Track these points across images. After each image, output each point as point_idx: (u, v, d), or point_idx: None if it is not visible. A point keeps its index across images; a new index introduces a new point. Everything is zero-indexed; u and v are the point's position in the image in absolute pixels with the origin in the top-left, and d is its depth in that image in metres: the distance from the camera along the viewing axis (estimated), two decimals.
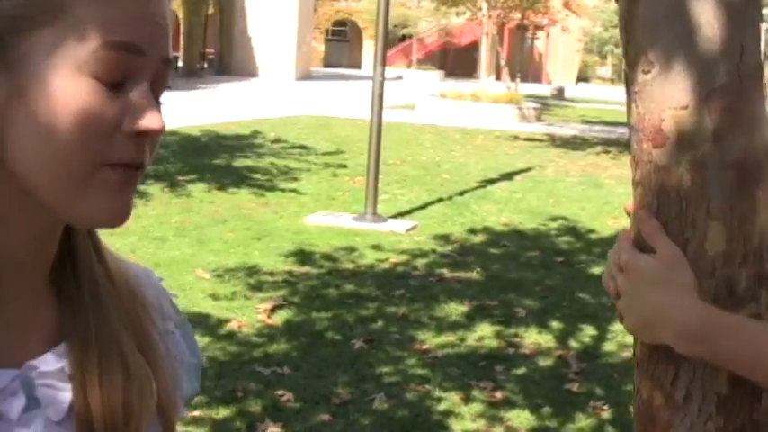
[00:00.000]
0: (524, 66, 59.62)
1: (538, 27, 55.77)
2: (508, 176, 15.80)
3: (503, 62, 38.58)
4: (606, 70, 75.35)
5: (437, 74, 55.34)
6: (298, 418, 5.13)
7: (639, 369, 1.36)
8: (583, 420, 5.37)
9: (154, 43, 0.94)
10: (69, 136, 0.90)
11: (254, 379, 5.68)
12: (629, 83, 1.29)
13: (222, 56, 45.15)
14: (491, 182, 14.94)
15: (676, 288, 1.23)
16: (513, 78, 40.07)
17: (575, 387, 5.89)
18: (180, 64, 41.18)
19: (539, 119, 29.59)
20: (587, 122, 30.53)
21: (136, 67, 0.93)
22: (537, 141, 22.46)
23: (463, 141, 21.21)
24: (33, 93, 0.89)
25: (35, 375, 0.98)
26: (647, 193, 1.29)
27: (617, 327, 7.14)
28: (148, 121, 0.93)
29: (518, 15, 42.74)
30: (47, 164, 0.91)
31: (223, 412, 5.16)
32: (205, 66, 45.15)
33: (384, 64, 11.22)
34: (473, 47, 46.82)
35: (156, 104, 0.96)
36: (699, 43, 1.20)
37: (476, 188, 14.13)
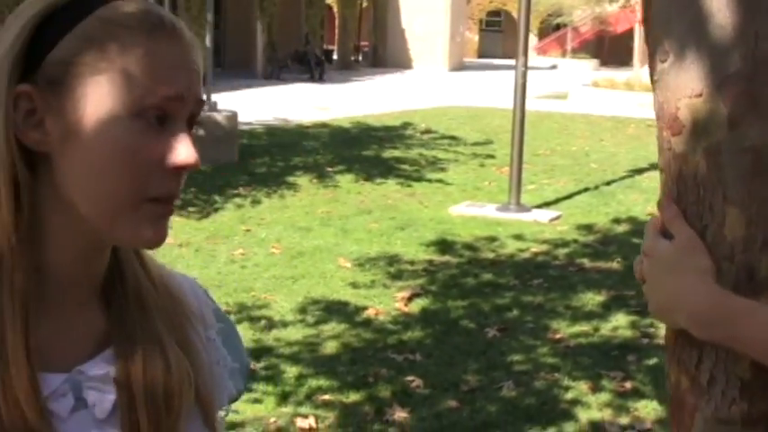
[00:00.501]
0: None
1: None
2: (657, 166, 15.49)
3: None
4: None
5: (592, 63, 54.64)
6: (425, 404, 5.22)
7: (668, 354, 1.39)
8: None
9: (191, 88, 1.07)
10: (117, 173, 1.03)
11: (386, 365, 5.79)
12: (651, 73, 1.33)
13: (376, 48, 45.52)
14: (640, 171, 14.72)
15: (691, 272, 1.26)
16: None
17: None
18: (334, 57, 41.71)
19: None
20: None
21: (176, 110, 1.06)
22: None
23: (614, 131, 20.93)
24: (87, 133, 1.02)
25: (83, 379, 1.10)
26: (668, 180, 1.33)
27: None
28: (186, 158, 1.06)
29: None
30: (95, 196, 1.05)
31: (353, 397, 5.29)
32: (359, 58, 45.60)
33: (526, 54, 11.25)
34: (629, 34, 46.05)
35: (192, 142, 1.08)
36: (711, 31, 1.23)
37: (623, 178, 13.95)
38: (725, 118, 1.23)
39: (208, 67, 15.20)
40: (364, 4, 45.28)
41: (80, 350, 1.12)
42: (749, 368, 1.27)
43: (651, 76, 1.33)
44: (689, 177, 1.28)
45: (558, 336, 6.43)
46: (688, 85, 1.25)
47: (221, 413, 1.31)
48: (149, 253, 1.23)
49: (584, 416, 5.11)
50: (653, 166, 15.28)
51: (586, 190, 12.71)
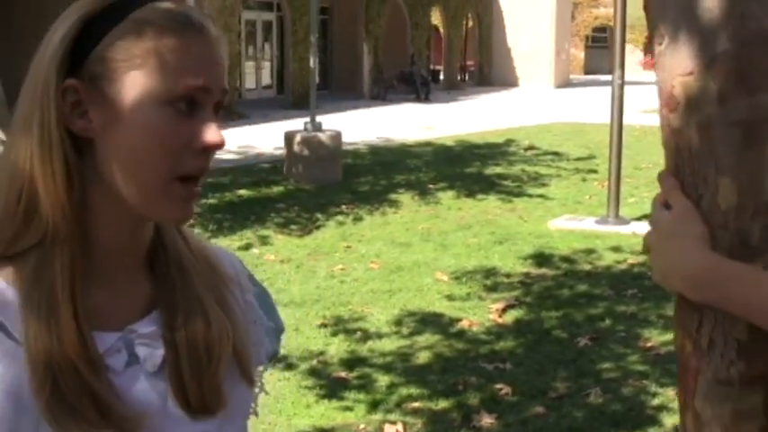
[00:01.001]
0: None
1: None
2: None
3: None
4: None
5: None
6: (512, 411, 5.28)
7: (675, 320, 1.46)
8: None
9: (217, 80, 1.22)
10: (151, 154, 1.18)
11: (476, 374, 5.87)
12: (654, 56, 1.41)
13: (482, 67, 45.59)
14: None
15: (687, 238, 1.34)
16: None
17: None
18: (441, 77, 41.88)
19: None
20: None
21: (203, 98, 1.21)
22: None
23: None
24: (125, 121, 1.18)
25: (134, 336, 1.26)
26: (667, 155, 1.41)
27: None
28: (212, 139, 1.21)
29: None
30: (132, 176, 1.19)
31: (442, 404, 5.38)
32: (466, 78, 45.71)
33: (623, 68, 11.26)
34: None
35: (217, 125, 1.23)
36: (701, 14, 1.31)
37: None
38: (715, 94, 1.31)
39: (312, 88, 15.46)
40: (470, 24, 45.39)
41: (131, 312, 1.27)
42: (746, 330, 1.34)
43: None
44: (684, 150, 1.36)
45: (648, 344, 6.42)
46: (681, 64, 1.34)
47: (260, 368, 1.44)
48: (191, 230, 1.38)
49: (669, 421, 5.11)
50: None
51: None
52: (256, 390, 1.44)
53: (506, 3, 46.04)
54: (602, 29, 58.58)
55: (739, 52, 1.30)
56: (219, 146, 1.22)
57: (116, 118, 1.18)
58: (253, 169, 15.10)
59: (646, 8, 1.42)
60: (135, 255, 1.29)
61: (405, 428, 5.02)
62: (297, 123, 15.08)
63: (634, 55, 61.21)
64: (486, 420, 5.14)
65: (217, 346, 1.28)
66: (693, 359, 1.42)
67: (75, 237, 1.20)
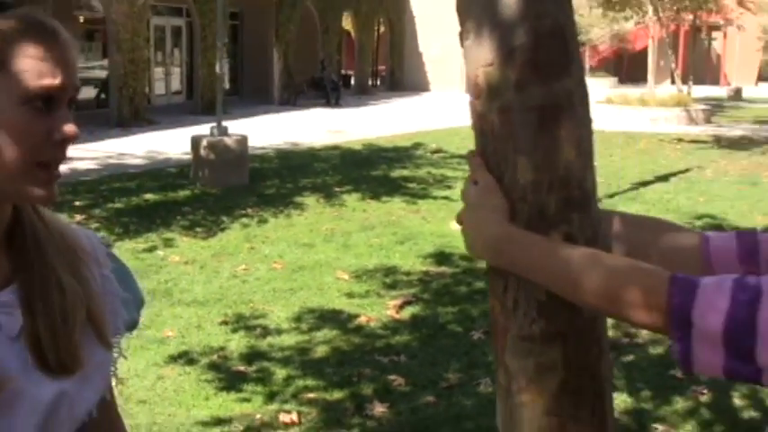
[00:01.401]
0: (701, 68, 58.39)
1: (712, 27, 54.66)
2: (664, 178, 15.76)
3: (673, 65, 38.08)
4: None
5: (610, 80, 54.87)
6: (404, 400, 5.47)
7: (489, 284, 1.65)
8: (680, 403, 5.54)
9: (71, 80, 1.40)
10: (12, 147, 1.35)
11: (371, 366, 6.05)
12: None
13: (393, 72, 45.89)
14: (645, 184, 14.95)
15: (488, 210, 1.53)
16: (685, 81, 39.47)
17: (679, 373, 6.02)
18: (352, 82, 42.06)
19: (708, 121, 29.16)
20: (760, 122, 29.89)
21: (58, 96, 1.39)
22: (701, 143, 22.19)
23: (625, 145, 21.17)
24: None
25: None
26: (475, 137, 1.60)
27: None
28: (68, 130, 1.39)
29: (690, 17, 42.01)
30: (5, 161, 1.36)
31: (336, 394, 5.55)
32: (378, 83, 45.95)
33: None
34: (647, 52, 46.29)
35: (71, 118, 1.41)
36: (501, 12, 1.50)
37: (627, 191, 14.18)
38: (513, 82, 1.50)
39: (218, 92, 15.55)
40: (382, 29, 45.66)
41: None
42: (545, 292, 1.53)
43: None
44: (488, 133, 1.55)
45: None
46: (483, 56, 1.53)
47: (120, 337, 1.60)
48: (54, 215, 1.55)
49: None
50: (659, 179, 15.54)
51: None
52: (115, 354, 1.59)
53: (418, 8, 46.43)
54: None
55: (535, 45, 1.49)
56: (75, 137, 1.39)
57: None
58: (160, 174, 15.12)
59: (456, 9, 1.60)
60: None
61: (299, 417, 5.18)
62: (205, 129, 15.13)
63: None
64: (379, 409, 5.32)
65: (71, 313, 1.46)
66: (502, 318, 1.60)
67: None
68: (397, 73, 46.06)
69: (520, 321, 1.57)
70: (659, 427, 5.20)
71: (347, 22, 42.55)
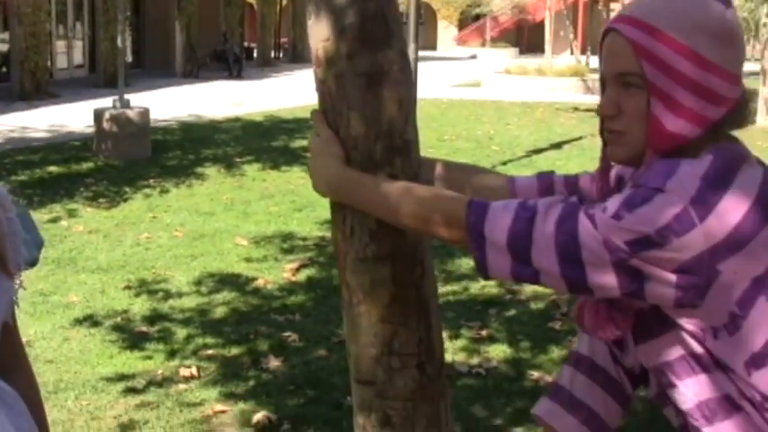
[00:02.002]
0: (599, 39, 59.39)
1: None
2: (558, 146, 16.31)
3: (572, 36, 38.86)
4: None
5: (511, 51, 55.67)
6: (298, 354, 5.83)
7: (331, 218, 2.01)
8: (555, 352, 5.97)
9: None
10: None
11: (268, 324, 6.39)
12: None
13: (295, 44, 45.97)
14: (539, 151, 15.46)
15: (328, 157, 1.89)
16: (583, 52, 40.29)
17: (557, 326, 6.48)
18: (255, 54, 42.08)
19: None
20: None
21: None
22: (596, 112, 22.79)
23: (522, 115, 21.71)
24: None
25: None
26: (318, 100, 1.95)
27: None
28: None
29: None
30: None
31: (234, 351, 5.87)
32: (280, 55, 46.01)
33: (417, 41, 11.83)
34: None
35: None
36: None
37: (521, 158, 14.67)
38: (344, 54, 1.85)
39: (120, 65, 15.66)
40: (284, 2, 45.72)
41: None
42: (375, 221, 1.89)
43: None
44: (327, 95, 1.91)
45: None
46: (322, 33, 1.88)
47: (20, 271, 1.92)
48: None
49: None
50: (553, 146, 16.07)
51: None
52: (16, 284, 1.92)
53: None
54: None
55: (361, 24, 1.85)
56: None
57: None
58: (63, 147, 15.21)
59: None
60: None
61: (199, 371, 5.50)
62: (108, 102, 15.25)
63: (449, 31, 62.70)
64: (274, 363, 5.66)
65: None
66: (342, 244, 1.97)
67: None
68: (300, 45, 46.13)
69: (356, 246, 1.93)
70: (535, 373, 5.62)
71: None
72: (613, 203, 1.64)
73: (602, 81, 1.82)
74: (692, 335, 1.71)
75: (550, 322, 6.55)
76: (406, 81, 1.91)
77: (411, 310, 1.93)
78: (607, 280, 1.64)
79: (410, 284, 1.92)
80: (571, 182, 2.07)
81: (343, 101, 1.87)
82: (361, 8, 1.83)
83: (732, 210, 1.62)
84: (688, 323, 1.69)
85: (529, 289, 7.34)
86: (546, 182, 2.07)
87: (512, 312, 6.73)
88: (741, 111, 1.76)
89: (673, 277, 1.61)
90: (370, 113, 1.86)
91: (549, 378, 5.51)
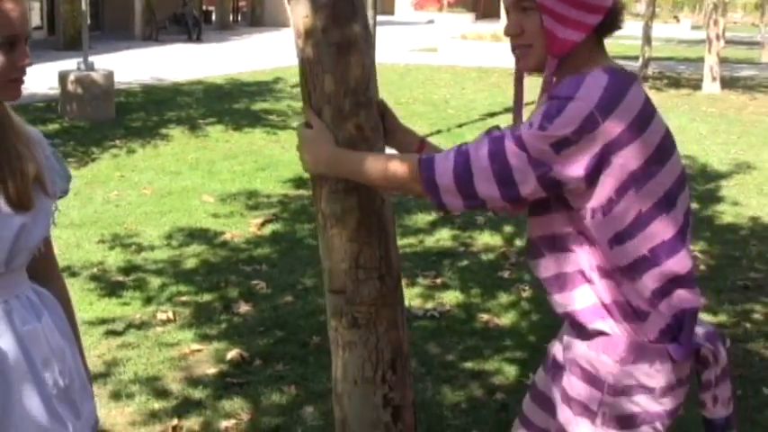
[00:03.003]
0: None
1: None
2: (511, 110, 16.75)
3: None
4: (641, 7, 74.90)
5: (468, 16, 56.07)
6: (266, 300, 6.29)
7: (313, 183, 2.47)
8: (504, 298, 6.48)
9: (24, 27, 2.17)
10: None
11: (237, 274, 6.84)
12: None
13: (254, 8, 46.13)
14: (493, 115, 15.95)
15: (323, 142, 2.38)
16: None
17: (506, 274, 7.00)
18: (213, 18, 42.19)
19: None
20: (612, 58, 31.25)
21: (18, 39, 2.16)
22: None
23: (478, 80, 22.19)
24: None
25: None
26: (299, 65, 2.40)
27: None
28: (27, 60, 2.19)
29: None
30: None
31: (206, 297, 6.32)
32: (239, 18, 46.13)
33: (375, 9, 12.23)
34: None
35: (27, 51, 2.18)
36: None
37: (476, 121, 15.15)
38: (320, 28, 2.30)
39: (84, 29, 15.92)
40: None
41: None
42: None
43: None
44: (306, 61, 2.37)
45: None
46: (302, 11, 2.34)
47: (56, 198, 2.38)
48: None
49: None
50: (507, 110, 16.53)
51: (439, 132, 13.86)
52: (53, 207, 2.37)
53: None
54: None
55: (333, 4, 2.30)
56: (30, 64, 2.16)
57: None
58: (27, 108, 15.44)
59: None
60: None
61: (174, 315, 5.94)
62: (69, 64, 15.53)
63: None
64: (244, 308, 6.12)
65: (25, 171, 2.26)
66: (319, 180, 2.43)
67: None
68: (258, 9, 46.32)
69: (330, 181, 2.40)
70: (485, 316, 6.12)
71: None
72: (536, 119, 2.18)
73: (507, 11, 2.40)
74: (576, 212, 2.25)
75: (500, 271, 7.06)
76: (368, 50, 2.37)
77: (373, 232, 2.40)
78: (535, 190, 2.19)
79: (372, 212, 2.40)
80: None
81: (319, 65, 2.32)
82: None
83: (624, 116, 2.18)
84: (575, 202, 2.24)
85: (480, 241, 7.85)
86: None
87: (464, 263, 7.22)
88: (615, 16, 2.33)
89: (581, 169, 2.16)
90: (340, 75, 2.32)
91: (497, 320, 6.02)
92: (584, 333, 2.35)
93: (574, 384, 2.36)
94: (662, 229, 2.25)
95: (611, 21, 2.33)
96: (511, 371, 5.20)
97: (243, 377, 5.05)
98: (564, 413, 2.39)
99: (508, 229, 8.29)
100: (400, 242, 7.53)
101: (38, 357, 2.30)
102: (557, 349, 2.56)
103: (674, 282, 2.29)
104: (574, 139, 2.16)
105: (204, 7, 42.46)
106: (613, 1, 2.30)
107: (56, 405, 2.33)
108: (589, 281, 2.31)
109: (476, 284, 6.72)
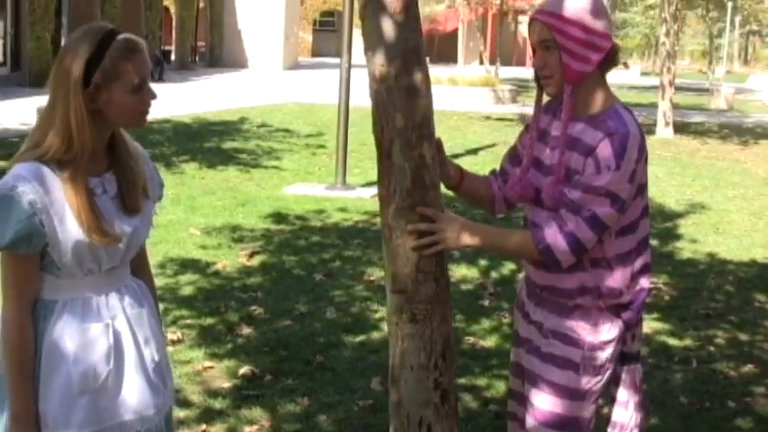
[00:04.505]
0: (508, 50, 61.08)
1: (518, 12, 57.35)
2: (473, 152, 17.42)
3: (482, 47, 40.15)
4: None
5: None
6: (265, 323, 6.73)
7: (378, 182, 2.95)
8: (486, 323, 6.98)
9: (147, 72, 2.67)
10: (133, 108, 2.66)
11: (234, 300, 7.28)
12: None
13: (213, 48, 46.63)
14: (456, 156, 16.47)
15: (454, 222, 3.00)
16: (493, 62, 41.63)
17: (486, 303, 7.51)
18: (173, 58, 42.59)
19: (513, 100, 31.19)
20: None
21: (145, 82, 2.64)
22: (508, 121, 24.06)
23: (437, 122, 21.90)
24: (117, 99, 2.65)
25: (105, 178, 2.73)
26: (373, 104, 2.89)
27: None
28: (153, 98, 2.69)
29: (497, 1, 44.21)
30: (125, 116, 2.64)
31: (209, 321, 6.75)
32: (197, 59, 46.58)
33: (350, 52, 12.77)
34: (456, 33, 48.34)
35: (152, 90, 2.70)
36: (386, 38, 2.80)
37: None
38: (393, 74, 2.80)
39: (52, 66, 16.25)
40: (201, 5, 46.31)
41: (102, 169, 2.74)
42: (409, 182, 2.84)
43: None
44: (380, 101, 2.85)
45: (371, 278, 8.02)
46: (379, 60, 2.82)
47: (155, 207, 2.87)
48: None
49: (386, 328, 6.68)
50: (469, 152, 17.15)
51: None
52: (154, 212, 2.87)
53: None
54: (329, 13, 60.63)
55: (404, 55, 2.80)
56: (155, 97, 2.65)
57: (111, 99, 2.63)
58: (3, 143, 15.81)
59: (363, 36, 2.89)
60: (102, 147, 2.72)
61: (183, 336, 6.37)
62: (37, 101, 15.87)
63: (360, 39, 63.69)
64: (246, 330, 6.56)
65: (138, 183, 2.77)
66: (386, 198, 2.91)
67: (86, 151, 2.60)
68: (217, 49, 46.83)
69: (396, 200, 2.89)
70: (471, 339, 6.62)
71: None
72: (608, 161, 2.91)
73: (534, 49, 3.10)
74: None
75: (480, 300, 7.57)
76: (428, 94, 2.88)
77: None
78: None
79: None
80: (505, 170, 3.42)
81: (390, 105, 2.82)
82: (402, 46, 2.80)
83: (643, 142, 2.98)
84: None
85: (458, 273, 8.35)
86: (502, 177, 3.40)
87: None
88: (613, 55, 3.07)
89: (636, 185, 2.99)
90: (407, 113, 2.82)
91: (482, 342, 6.52)
92: (562, 308, 3.18)
93: (558, 347, 3.18)
94: (645, 228, 3.14)
95: (611, 58, 3.08)
96: (500, 385, 5.69)
97: (257, 390, 5.49)
98: (550, 371, 3.19)
99: (483, 262, 8.82)
100: (381, 273, 7.97)
101: (141, 336, 2.85)
102: (524, 329, 3.36)
103: (645, 268, 3.18)
104: (638, 167, 2.94)
105: (163, 47, 42.89)
106: (612, 44, 3.05)
107: (152, 375, 2.87)
108: (583, 268, 3.08)
109: (459, 312, 7.20)
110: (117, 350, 2.77)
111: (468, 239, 3.01)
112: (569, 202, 2.98)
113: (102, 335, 2.73)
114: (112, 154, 2.76)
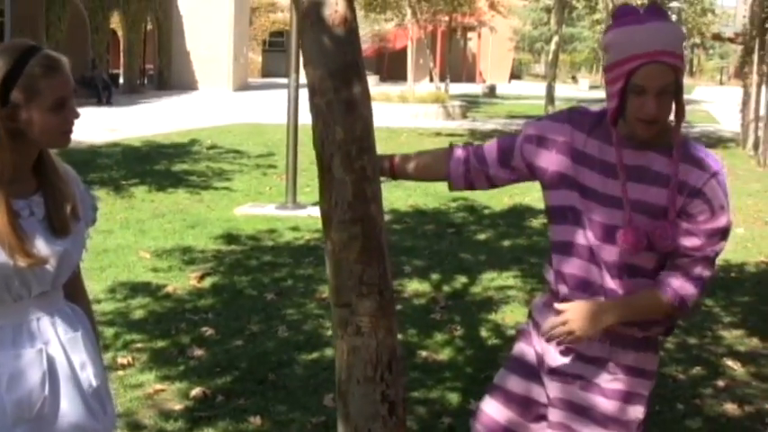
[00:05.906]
0: (458, 66, 61.38)
1: (467, 28, 57.66)
2: None
3: (432, 64, 40.29)
4: (541, 67, 77.14)
5: (372, 78, 56.98)
6: (217, 344, 6.70)
7: (319, 196, 2.95)
8: (439, 337, 6.99)
9: (70, 89, 2.66)
10: (54, 127, 2.62)
11: (185, 322, 7.23)
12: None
13: (161, 71, 46.42)
14: None
15: (585, 308, 3.05)
16: (443, 79, 41.80)
17: (438, 317, 7.52)
18: (121, 81, 42.37)
19: (464, 116, 31.35)
20: (512, 117, 32.44)
21: (68, 99, 2.61)
22: (458, 136, 24.14)
23: (388, 140, 22.79)
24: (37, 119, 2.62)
25: (33, 200, 2.70)
26: (313, 118, 2.88)
27: (485, 275, 8.80)
28: (74, 116, 2.66)
29: (446, 18, 44.42)
30: (47, 136, 2.61)
31: (160, 344, 6.70)
32: (145, 81, 46.37)
33: (298, 71, 12.74)
34: (406, 51, 48.55)
35: (74, 108, 2.68)
36: (326, 55, 2.80)
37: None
38: (333, 88, 2.80)
39: None
40: (149, 28, 46.12)
41: (29, 191, 2.71)
42: (351, 196, 2.84)
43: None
44: (320, 115, 2.85)
45: (323, 296, 7.99)
46: (318, 74, 2.82)
47: (89, 230, 2.84)
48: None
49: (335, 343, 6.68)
50: None
51: None
52: (86, 235, 2.84)
53: (185, 7, 47.09)
54: (279, 33, 60.54)
55: (344, 69, 2.80)
56: (78, 116, 2.67)
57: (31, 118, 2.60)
58: None
59: (303, 57, 2.89)
60: (28, 167, 2.70)
61: (133, 360, 6.31)
62: None
63: None
64: (197, 352, 6.52)
65: (66, 205, 2.75)
66: (328, 212, 2.91)
67: (6, 173, 2.58)
68: (165, 72, 46.63)
69: (338, 213, 2.88)
70: (423, 353, 6.62)
71: (114, 21, 42.86)
72: (720, 201, 3.02)
73: (641, 89, 2.93)
74: None
75: (432, 314, 7.58)
76: (368, 107, 2.88)
77: (373, 255, 2.88)
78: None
79: (373, 238, 2.88)
80: (483, 156, 3.44)
81: (331, 118, 2.82)
82: (336, 60, 2.80)
83: None
84: None
85: (410, 288, 8.36)
86: (477, 159, 3.42)
87: (398, 307, 7.71)
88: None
89: None
90: (347, 126, 2.82)
91: (435, 356, 6.52)
92: (630, 340, 3.19)
93: (626, 381, 3.19)
94: None
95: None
96: (453, 398, 5.70)
97: (210, 411, 5.46)
98: (615, 407, 3.18)
99: (435, 276, 8.83)
100: None
101: (77, 361, 2.80)
102: (557, 359, 3.28)
103: None
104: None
105: (111, 70, 42.64)
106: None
107: (90, 401, 2.82)
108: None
109: (411, 326, 7.21)
110: (52, 376, 2.72)
111: (598, 323, 3.04)
112: (688, 249, 3.04)
113: (35, 361, 2.68)
114: (40, 175, 2.73)
